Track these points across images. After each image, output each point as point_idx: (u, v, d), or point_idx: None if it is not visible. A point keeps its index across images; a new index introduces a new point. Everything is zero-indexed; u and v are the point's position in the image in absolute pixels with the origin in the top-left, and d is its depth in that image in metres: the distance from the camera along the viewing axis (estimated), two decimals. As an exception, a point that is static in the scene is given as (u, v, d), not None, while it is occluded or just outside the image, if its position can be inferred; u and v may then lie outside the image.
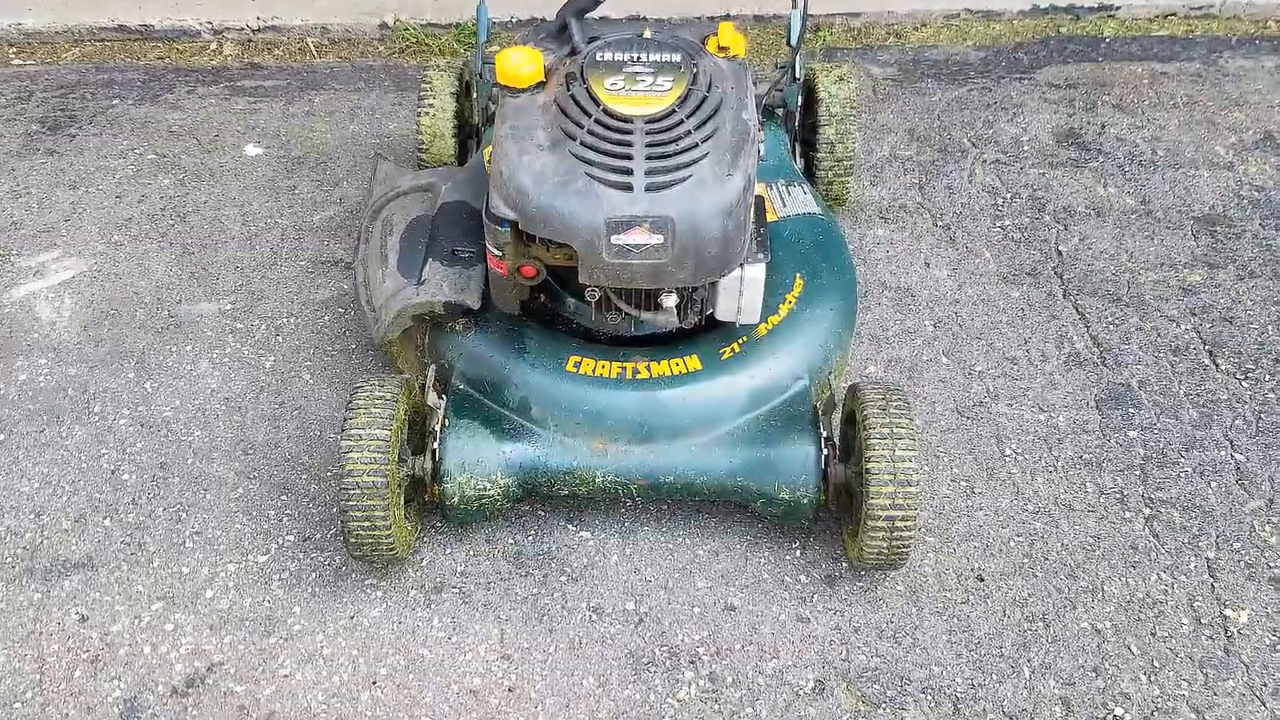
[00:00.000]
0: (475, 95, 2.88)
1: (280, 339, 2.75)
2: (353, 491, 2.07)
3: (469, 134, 2.95)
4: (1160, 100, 3.53)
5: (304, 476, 2.46)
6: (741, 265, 2.17)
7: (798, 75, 2.80)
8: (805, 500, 2.21)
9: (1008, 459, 2.49)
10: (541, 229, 2.07)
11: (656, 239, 2.03)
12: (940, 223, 3.06)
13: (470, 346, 2.35)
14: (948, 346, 2.73)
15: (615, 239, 2.02)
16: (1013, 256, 2.97)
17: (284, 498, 2.41)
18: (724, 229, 2.06)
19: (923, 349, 2.72)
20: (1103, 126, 3.41)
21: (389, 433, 2.09)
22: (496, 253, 2.17)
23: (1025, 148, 3.33)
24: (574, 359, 2.31)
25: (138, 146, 3.33)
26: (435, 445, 2.21)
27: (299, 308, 2.82)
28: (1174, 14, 3.95)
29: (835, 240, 2.61)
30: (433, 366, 2.30)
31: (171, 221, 3.07)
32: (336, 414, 2.54)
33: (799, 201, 2.64)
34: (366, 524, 2.10)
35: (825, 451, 2.21)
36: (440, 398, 2.28)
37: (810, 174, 2.91)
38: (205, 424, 2.55)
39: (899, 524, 2.08)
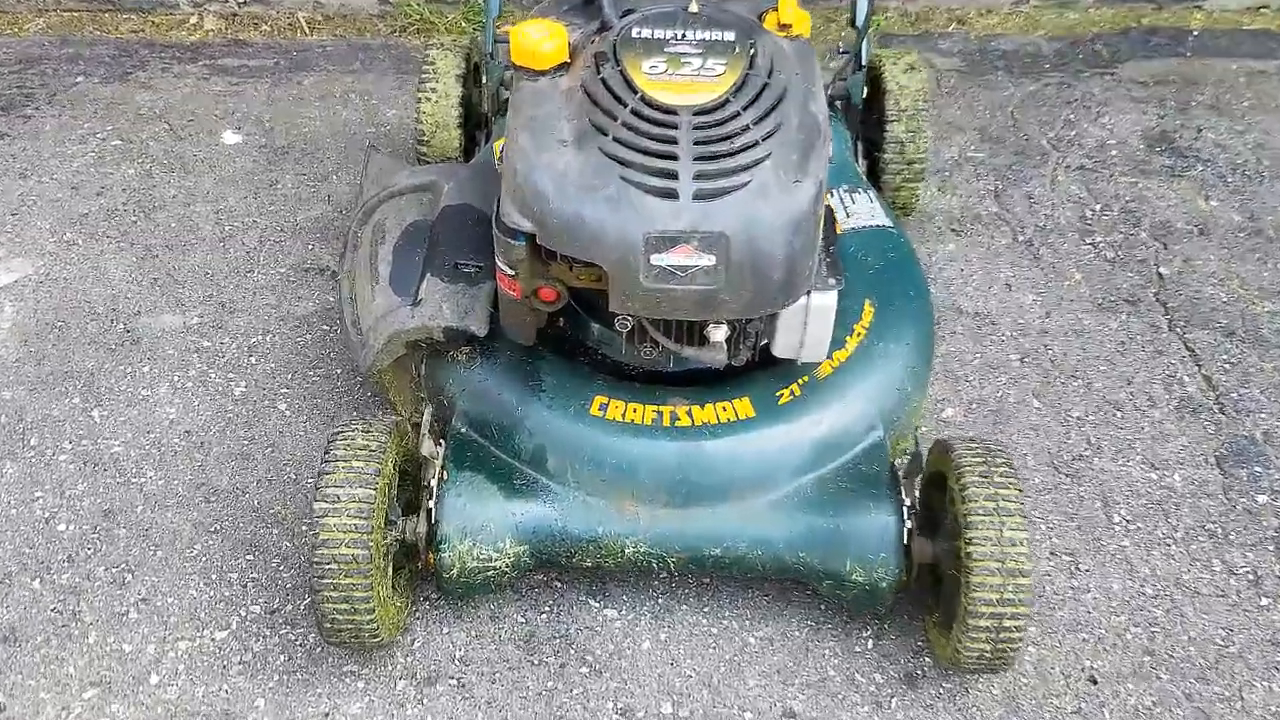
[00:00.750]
0: (485, 79, 2.49)
1: (254, 360, 2.36)
2: (327, 566, 1.69)
3: (477, 124, 2.56)
4: (1260, 101, 3.12)
5: (275, 531, 2.08)
6: (808, 292, 1.77)
7: (863, 62, 2.39)
8: (883, 583, 1.82)
9: (1117, 528, 2.09)
10: (564, 245, 1.69)
11: (707, 260, 1.64)
12: (1021, 237, 2.66)
13: (475, 382, 1.97)
14: (1038, 386, 2.33)
15: (656, 259, 1.64)
16: (1107, 279, 2.56)
17: (250, 558, 2.04)
18: (790, 248, 1.66)
19: (1008, 389, 2.32)
20: (1199, 130, 3.00)
21: (373, 492, 1.71)
22: (508, 271, 1.78)
23: (1113, 152, 2.92)
24: (600, 400, 1.92)
25: (100, 130, 2.94)
26: (431, 504, 1.84)
27: (277, 323, 2.43)
28: (1266, 7, 3.53)
29: (908, 258, 2.22)
30: (430, 406, 1.90)
31: (134, 218, 2.69)
32: (316, 453, 2.18)
33: (865, 211, 2.23)
34: (344, 606, 1.72)
35: (908, 523, 1.82)
36: (438, 445, 1.91)
37: (874, 179, 2.50)
38: (161, 463, 2.18)
39: (1007, 622, 1.69)
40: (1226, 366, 2.38)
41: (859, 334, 2.02)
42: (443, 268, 2.01)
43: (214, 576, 2.00)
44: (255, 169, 2.83)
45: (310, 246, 2.62)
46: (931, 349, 2.14)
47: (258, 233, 2.66)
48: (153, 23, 3.43)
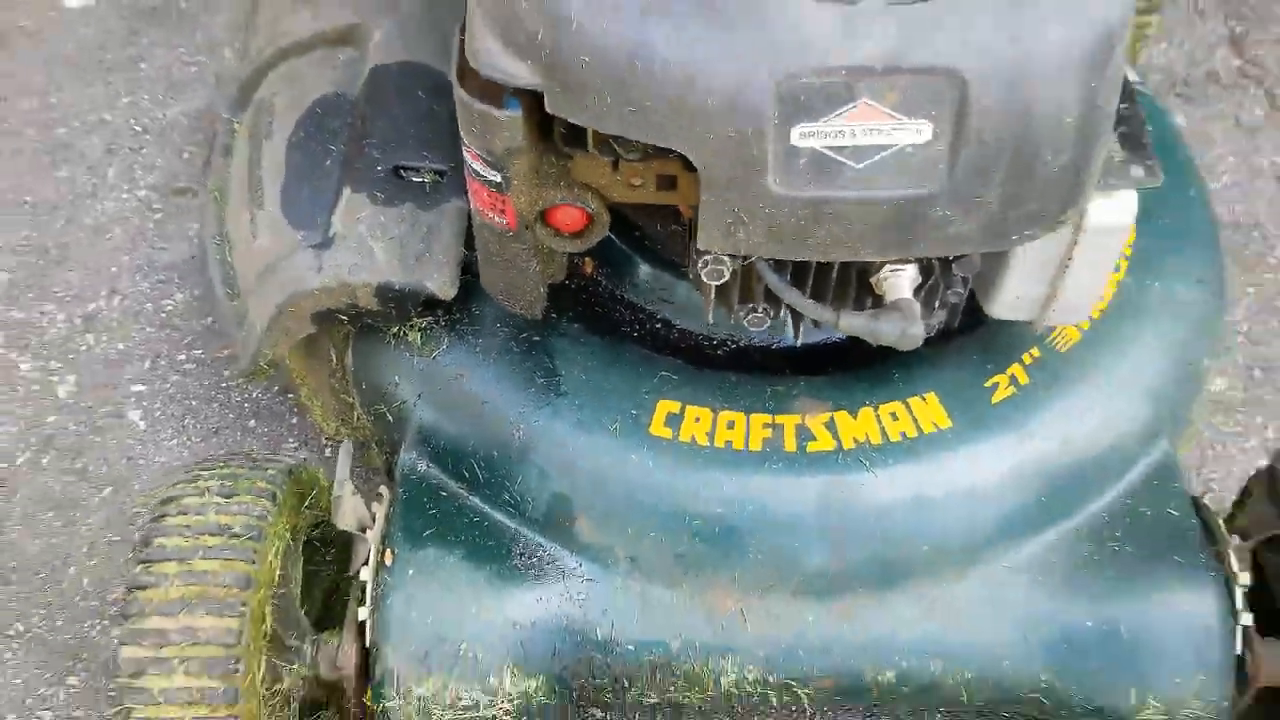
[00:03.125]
0: None
1: (91, 340, 1.61)
2: None
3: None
4: None
5: (116, 632, 1.26)
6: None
7: None
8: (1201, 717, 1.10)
9: None
10: (604, 111, 0.88)
11: (918, 131, 0.84)
12: (1281, 103, 1.80)
13: (441, 382, 1.21)
14: (1354, 338, 1.49)
15: (804, 131, 0.84)
16: None
17: (73, 680, 1.33)
18: (1086, 103, 0.88)
19: (1305, 344, 1.50)
20: None
21: (237, 624, 0.94)
22: (491, 176, 0.97)
23: (1399, -29, 2.02)
24: (668, 408, 1.15)
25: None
26: (366, 613, 1.09)
27: (129, 279, 1.68)
28: None
29: (1170, 137, 1.40)
30: (349, 443, 1.05)
31: (-81, 121, 1.82)
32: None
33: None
34: None
35: (1241, 613, 1.08)
36: (376, 502, 1.14)
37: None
38: None
39: None
40: None
41: (1117, 268, 1.21)
42: (373, 177, 1.23)
43: (20, 708, 1.29)
44: (108, 41, 2.00)
45: (185, 155, 1.80)
46: (1227, 290, 1.31)
47: (106, 137, 1.84)
48: None
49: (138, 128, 1.86)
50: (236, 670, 0.91)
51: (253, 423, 1.48)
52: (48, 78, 1.93)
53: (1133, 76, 1.38)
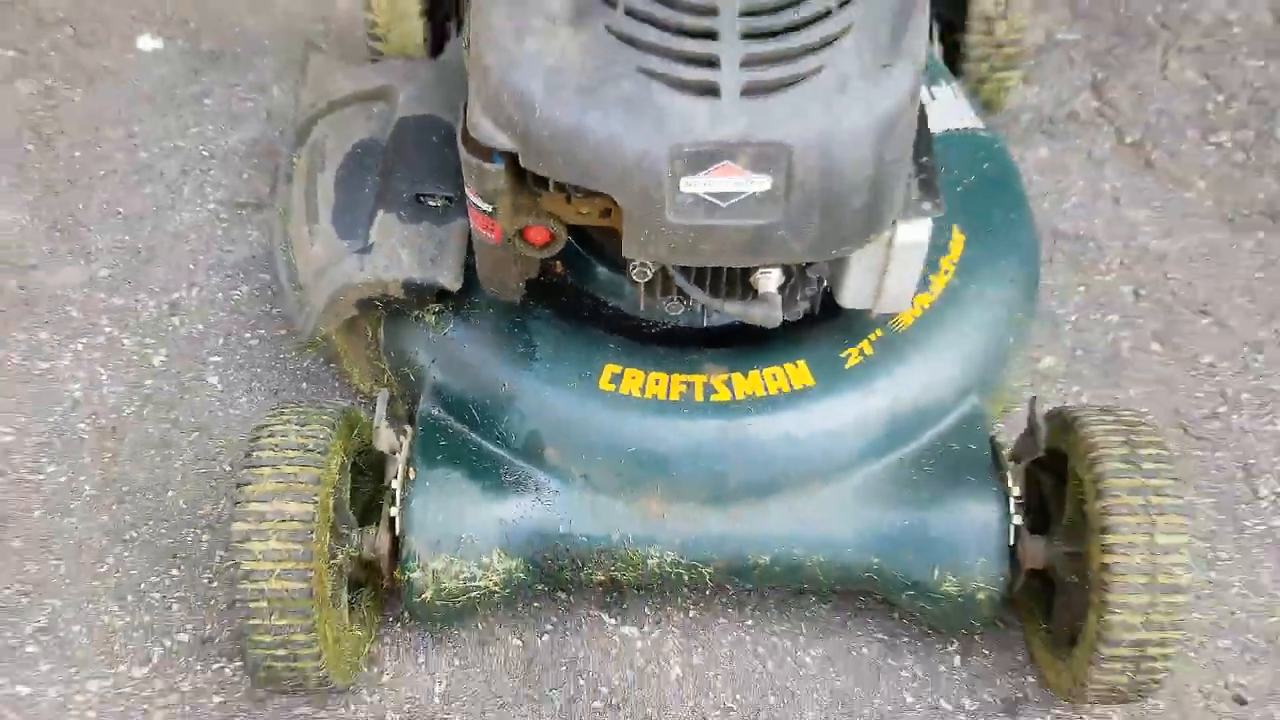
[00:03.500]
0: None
1: (177, 322, 1.95)
2: (255, 604, 1.32)
3: (446, 13, 2.04)
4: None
5: (205, 538, 1.70)
6: (893, 223, 1.33)
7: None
8: (981, 595, 1.45)
9: (1263, 504, 1.70)
10: (558, 168, 1.25)
11: (761, 182, 1.21)
12: (1128, 139, 2.19)
13: (449, 350, 1.57)
14: (1158, 327, 1.91)
15: (689, 183, 1.21)
16: (1238, 188, 2.11)
17: (175, 573, 1.66)
18: (878, 162, 1.24)
19: (1120, 330, 1.91)
20: (1336, -2, 2.48)
21: (312, 509, 1.32)
22: (483, 206, 1.34)
23: (1236, 29, 2.41)
24: (612, 369, 1.51)
25: (-6, 39, 2.43)
26: (395, 512, 1.44)
27: (204, 274, 2.01)
28: None
29: (1007, 172, 1.79)
30: (385, 392, 1.44)
31: (29, 147, 2.23)
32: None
33: (950, 110, 1.78)
34: (281, 651, 1.35)
35: (1015, 518, 1.44)
36: (402, 434, 1.50)
37: (953, 67, 2.01)
38: (63, 454, 1.78)
39: (1152, 650, 1.33)
40: (1390, 293, 1.93)
41: (946, 271, 1.60)
42: (400, 201, 1.60)
43: (130, 598, 1.63)
44: (178, 81, 2.35)
45: (245, 176, 2.16)
46: (1037, 288, 1.72)
47: (180, 160, 2.19)
48: (61, -92, 2.89)
49: (205, 153, 2.21)
50: (309, 540, 1.30)
51: (305, 385, 1.83)
52: (130, 111, 2.29)
53: (979, 124, 1.80)
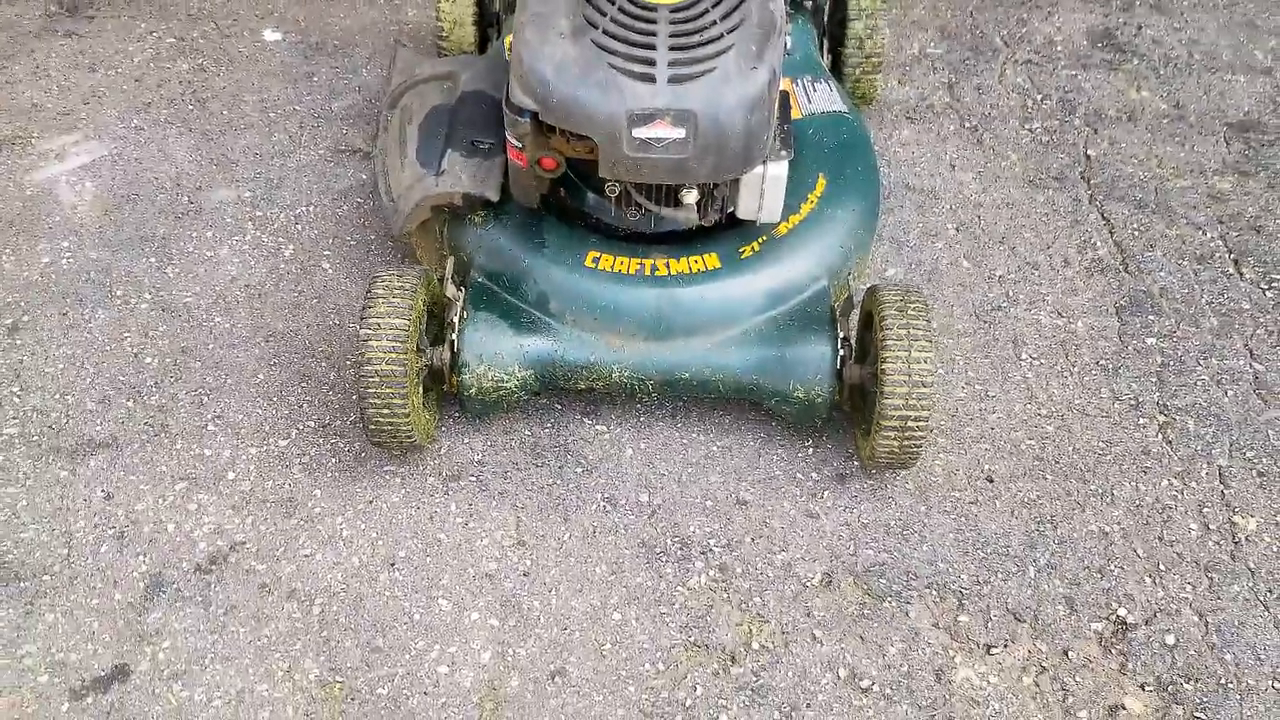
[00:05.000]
0: (496, -18, 2.81)
1: (300, 227, 2.75)
2: (371, 379, 2.09)
3: (490, 21, 2.89)
4: (1199, 1, 3.41)
5: (323, 365, 2.48)
6: (764, 162, 2.14)
7: (828, -33, 2.72)
8: (819, 399, 2.22)
9: (1024, 364, 2.49)
10: (562, 120, 2.04)
11: (678, 133, 2.00)
12: (968, 124, 3.01)
13: (489, 239, 2.34)
14: (969, 250, 2.71)
15: (636, 132, 2.00)
16: (1040, 160, 2.92)
17: (304, 385, 2.44)
18: (747, 124, 2.03)
19: (944, 253, 2.70)
20: (1139, 28, 3.32)
21: (408, 323, 2.10)
22: (516, 144, 2.15)
23: (1058, 48, 3.24)
24: (593, 255, 2.30)
25: (156, 30, 3.28)
26: (453, 337, 2.22)
27: (318, 196, 2.81)
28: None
29: (860, 140, 2.57)
30: (451, 259, 2.30)
31: (191, 107, 3.04)
32: (355, 303, 2.56)
33: (825, 99, 2.59)
34: (385, 411, 2.12)
35: (841, 352, 2.22)
36: (459, 290, 2.29)
37: (837, 71, 2.85)
38: (226, 310, 2.57)
39: (911, 424, 2.10)
40: (1136, 233, 2.76)
41: (811, 201, 2.40)
42: (461, 144, 2.36)
43: (275, 399, 2.41)
44: (293, 63, 3.18)
45: (344, 131, 2.98)
46: (875, 217, 2.51)
47: (298, 119, 3.02)
48: (193, -71, 3.73)
49: (315, 114, 3.01)
50: (406, 340, 2.09)
51: (386, 266, 2.69)
52: (261, 83, 3.11)
53: (844, 108, 2.62)
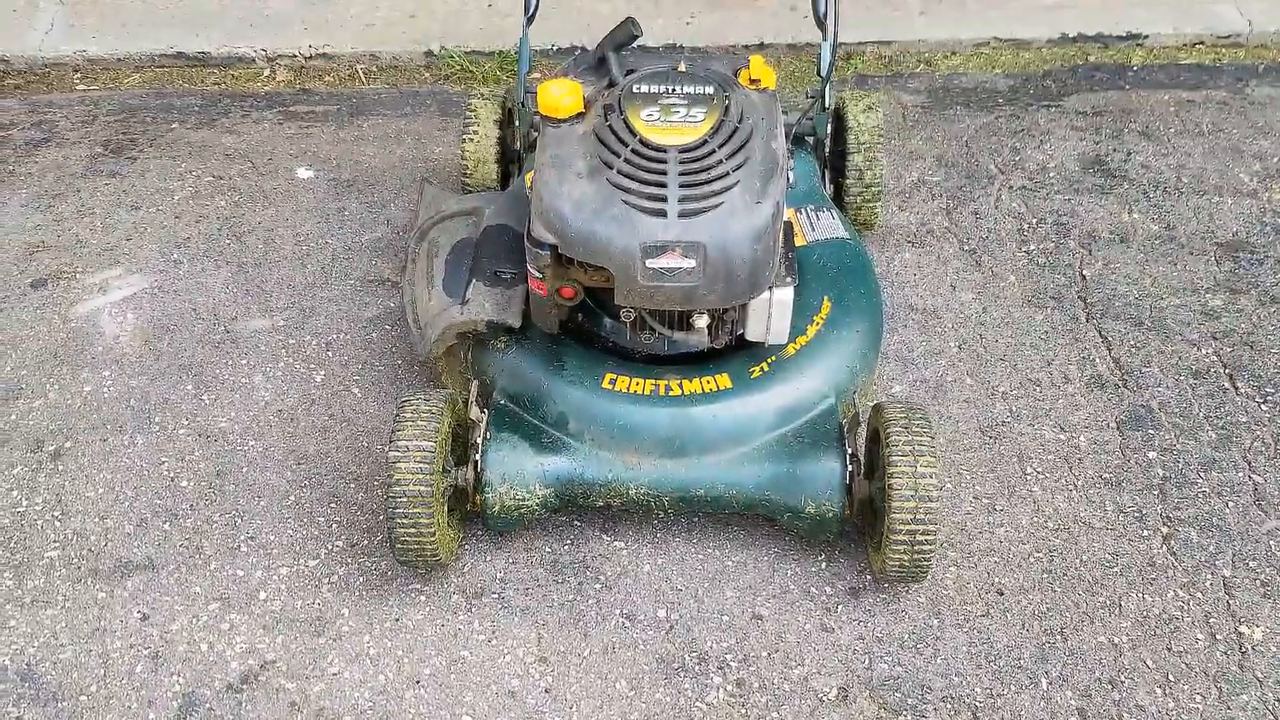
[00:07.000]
0: (517, 123, 2.99)
1: (330, 354, 2.87)
2: (400, 500, 2.18)
3: (511, 159, 3.07)
4: (1186, 128, 3.59)
5: (352, 486, 2.58)
6: (770, 288, 2.27)
7: (827, 104, 2.90)
8: (830, 514, 2.29)
9: (1029, 478, 2.56)
10: (580, 252, 2.18)
11: (689, 263, 2.13)
12: (966, 247, 3.14)
13: (511, 363, 2.46)
14: (972, 368, 2.81)
15: (650, 263, 2.13)
16: (1037, 281, 3.04)
17: (333, 505, 2.53)
18: (753, 253, 2.16)
19: (947, 370, 2.80)
20: (1129, 153, 3.48)
21: (434, 445, 2.20)
22: (537, 274, 2.28)
23: (1052, 174, 3.40)
24: (610, 376, 2.40)
25: (195, 169, 3.48)
26: (477, 457, 2.32)
27: (348, 325, 2.94)
28: (1201, 42, 4.01)
29: (863, 264, 2.70)
30: (475, 382, 2.41)
31: (228, 241, 3.21)
32: (384, 426, 2.66)
33: (828, 226, 2.73)
34: (412, 530, 2.21)
35: (850, 468, 2.30)
36: (482, 412, 2.39)
37: (839, 200, 3.01)
38: (259, 434, 2.68)
39: (920, 537, 2.16)
40: (1133, 349, 2.86)
41: (818, 323, 2.51)
42: (485, 274, 2.51)
43: (306, 520, 2.49)
44: (325, 199, 3.36)
45: (374, 262, 3.14)
46: (880, 336, 2.62)
47: (330, 252, 3.18)
48: (233, 76, 4.00)
49: (346, 247, 3.19)
50: (433, 462, 2.19)
51: (414, 391, 2.81)
52: (294, 218, 3.28)
53: (847, 235, 2.77)
